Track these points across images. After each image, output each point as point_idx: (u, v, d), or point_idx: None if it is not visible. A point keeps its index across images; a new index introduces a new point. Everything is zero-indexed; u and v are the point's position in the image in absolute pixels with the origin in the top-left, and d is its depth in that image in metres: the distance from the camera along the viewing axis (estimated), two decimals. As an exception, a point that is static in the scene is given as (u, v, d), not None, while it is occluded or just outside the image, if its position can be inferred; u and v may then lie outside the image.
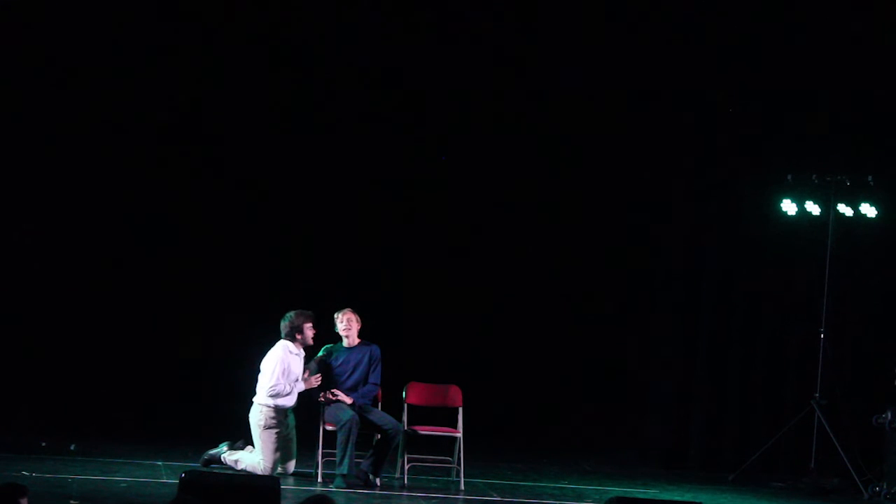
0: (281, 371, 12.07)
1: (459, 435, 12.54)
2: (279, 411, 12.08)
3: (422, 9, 14.81)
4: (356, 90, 14.87)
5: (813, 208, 14.58)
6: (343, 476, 11.95)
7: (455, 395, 12.72)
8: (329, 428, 12.17)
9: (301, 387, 12.13)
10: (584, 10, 14.87)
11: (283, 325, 12.21)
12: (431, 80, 14.95)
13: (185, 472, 8.42)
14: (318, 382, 12.17)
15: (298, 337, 12.18)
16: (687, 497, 12.74)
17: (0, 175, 14.19)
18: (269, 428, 12.06)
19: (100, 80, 14.28)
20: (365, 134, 14.94)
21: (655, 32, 14.87)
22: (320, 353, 12.40)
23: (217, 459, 12.24)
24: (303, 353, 12.25)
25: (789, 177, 14.56)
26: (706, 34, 14.87)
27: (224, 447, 12.30)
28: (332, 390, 12.19)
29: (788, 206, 14.59)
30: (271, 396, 12.07)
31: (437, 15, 14.83)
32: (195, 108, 14.55)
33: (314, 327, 12.22)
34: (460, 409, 12.67)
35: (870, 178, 14.43)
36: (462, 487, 12.44)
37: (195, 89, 14.53)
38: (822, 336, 14.45)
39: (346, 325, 12.32)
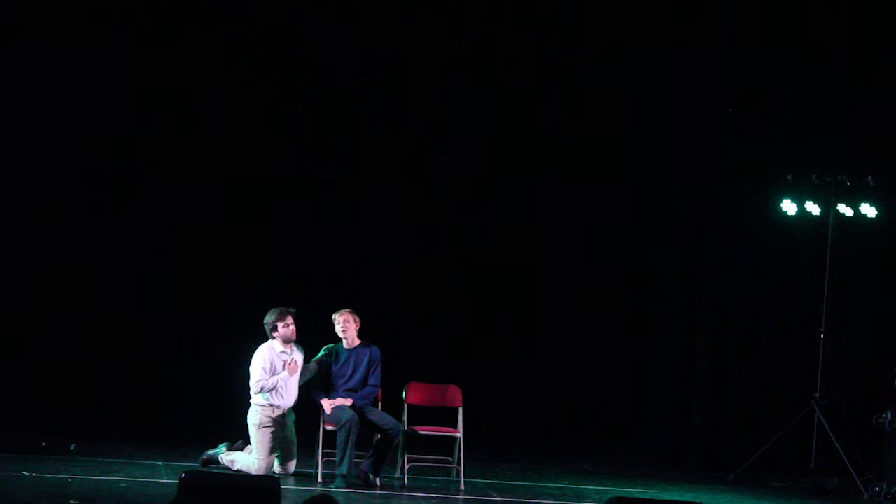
0: (262, 369, 12.08)
1: (459, 435, 12.54)
2: (275, 410, 12.09)
3: (422, 7, 14.83)
4: (356, 89, 14.88)
5: (813, 208, 14.58)
6: (343, 476, 11.95)
7: (455, 395, 12.73)
8: (329, 428, 12.17)
9: (286, 375, 12.11)
10: (583, 10, 14.87)
11: (265, 326, 12.25)
12: (432, 79, 14.96)
13: (185, 472, 8.41)
14: (297, 370, 12.15)
15: (275, 335, 12.19)
16: (687, 497, 12.74)
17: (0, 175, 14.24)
18: (265, 427, 12.06)
19: (96, 73, 14.30)
20: (364, 133, 14.95)
21: (655, 32, 14.88)
22: (321, 354, 12.40)
23: (215, 460, 12.25)
24: (294, 350, 12.23)
25: (789, 177, 14.57)
26: (707, 34, 14.86)
27: (223, 448, 12.31)
28: (331, 403, 12.18)
29: (788, 206, 14.59)
30: (258, 393, 12.09)
31: (436, 14, 14.85)
32: (193, 106, 14.55)
33: (289, 323, 12.15)
34: (460, 409, 12.68)
35: (870, 178, 14.44)
36: (462, 487, 12.44)
37: (193, 86, 14.54)
38: (822, 336, 14.45)
39: (343, 326, 12.32)
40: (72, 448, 12.68)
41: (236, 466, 12.13)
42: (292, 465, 12.25)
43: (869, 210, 14.51)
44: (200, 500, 7.56)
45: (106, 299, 14.46)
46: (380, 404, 12.53)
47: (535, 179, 15.25)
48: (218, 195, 14.71)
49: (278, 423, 12.10)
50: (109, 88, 14.35)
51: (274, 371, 12.12)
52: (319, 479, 12.15)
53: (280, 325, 12.17)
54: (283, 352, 12.21)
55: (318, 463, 12.23)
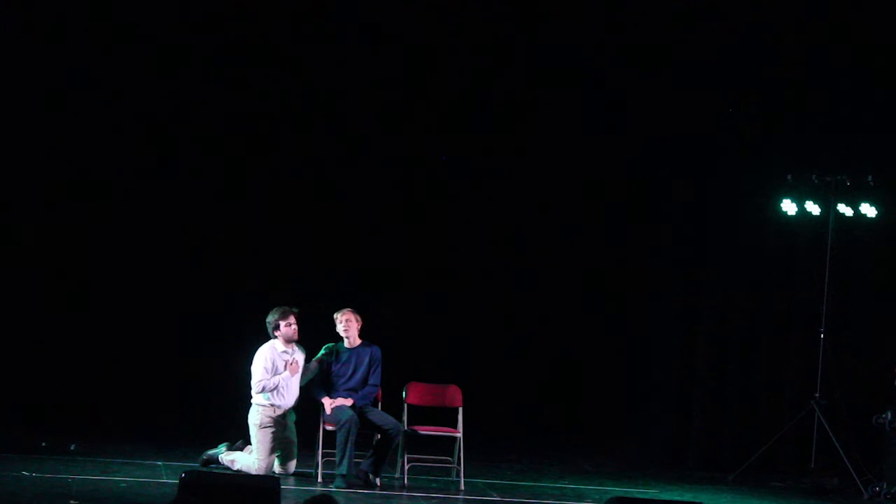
0: (264, 368, 12.10)
1: (459, 435, 12.54)
2: (276, 410, 12.09)
3: (423, 7, 14.82)
4: (356, 89, 14.87)
5: (813, 208, 14.58)
6: (343, 476, 11.95)
7: (455, 395, 12.73)
8: (329, 428, 12.17)
9: (287, 375, 12.11)
10: (582, 8, 14.87)
11: (267, 325, 12.26)
12: (432, 79, 14.95)
13: (185, 472, 8.41)
14: (299, 370, 12.16)
15: (277, 334, 12.20)
16: (687, 497, 12.74)
17: (0, 175, 14.22)
18: (266, 427, 12.06)
19: (96, 77, 14.30)
20: (365, 133, 14.95)
21: (655, 32, 14.88)
22: (321, 353, 12.41)
23: (215, 460, 12.26)
24: (296, 350, 12.24)
25: (789, 177, 14.57)
26: (706, 34, 14.86)
27: (223, 448, 12.32)
28: (332, 402, 12.18)
29: (788, 206, 14.59)
30: (259, 393, 12.10)
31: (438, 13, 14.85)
32: (192, 106, 14.54)
33: (292, 322, 12.16)
34: (460, 409, 12.68)
35: (870, 178, 14.44)
36: (462, 487, 12.44)
37: (191, 84, 14.53)
38: (822, 336, 14.45)
39: (345, 325, 12.34)
40: (72, 448, 12.68)
41: (236, 466, 12.13)
42: (292, 465, 12.25)
43: (869, 210, 14.51)
44: (200, 500, 7.56)
45: (106, 299, 14.45)
46: (380, 404, 12.53)
47: (534, 179, 15.24)
48: (218, 195, 14.70)
49: (279, 423, 12.11)
50: (110, 87, 14.35)
51: (275, 371, 12.13)
52: (319, 479, 12.15)
53: (282, 324, 12.18)
54: (285, 351, 12.21)
55: (318, 463, 12.23)
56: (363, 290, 14.02)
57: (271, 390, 12.10)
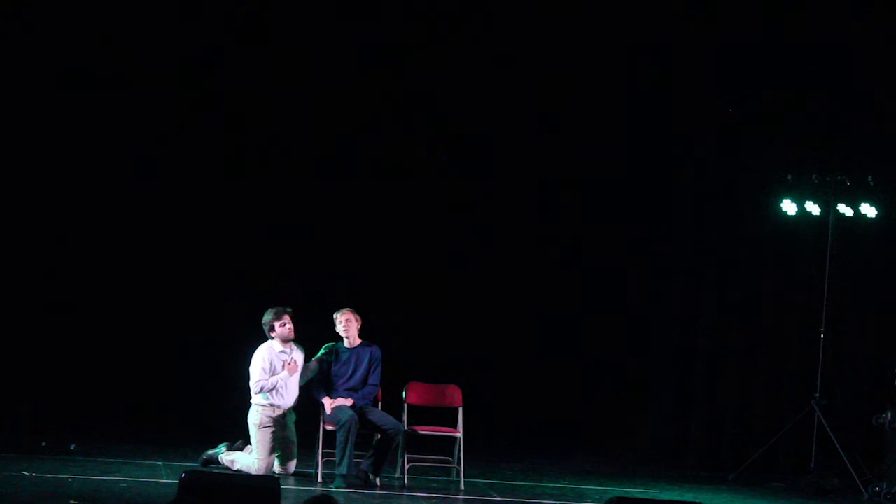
0: (262, 369, 12.10)
1: (459, 435, 12.54)
2: (276, 410, 12.09)
3: (423, 8, 14.82)
4: (356, 89, 14.87)
5: (813, 208, 14.59)
6: (343, 476, 11.95)
7: (455, 395, 12.73)
8: (329, 428, 12.17)
9: (286, 375, 12.11)
10: (582, 11, 14.87)
11: (263, 326, 12.26)
12: (433, 79, 14.95)
13: (185, 472, 8.41)
14: (297, 369, 12.16)
15: (273, 335, 12.20)
16: (687, 497, 12.75)
17: (1, 175, 14.23)
18: (265, 427, 12.06)
19: (96, 80, 14.30)
20: (365, 133, 14.94)
21: (655, 33, 14.88)
22: (321, 352, 12.41)
23: (215, 460, 12.26)
24: (294, 350, 12.23)
25: (789, 177, 14.57)
26: (706, 34, 14.87)
27: (223, 448, 12.32)
28: (332, 402, 12.18)
29: (788, 206, 14.60)
30: (258, 393, 12.11)
31: (437, 14, 14.85)
32: (191, 105, 14.53)
33: (286, 322, 12.15)
34: (460, 409, 12.68)
35: (870, 178, 14.44)
36: (462, 487, 12.44)
37: (191, 82, 14.52)
38: (822, 336, 14.45)
39: (345, 325, 12.34)
40: (72, 448, 12.68)
41: (236, 466, 12.13)
42: (292, 465, 12.25)
43: (869, 210, 14.51)
44: (200, 500, 7.56)
45: (106, 299, 14.44)
46: (380, 404, 12.53)
47: (534, 178, 15.24)
48: (218, 195, 14.69)
49: (278, 423, 12.11)
50: (110, 87, 14.35)
51: (273, 371, 12.13)
52: (319, 479, 12.15)
53: (277, 324, 12.18)
54: (283, 351, 12.21)
55: (318, 463, 12.23)
56: (363, 291, 14.01)
57: (269, 390, 12.10)
